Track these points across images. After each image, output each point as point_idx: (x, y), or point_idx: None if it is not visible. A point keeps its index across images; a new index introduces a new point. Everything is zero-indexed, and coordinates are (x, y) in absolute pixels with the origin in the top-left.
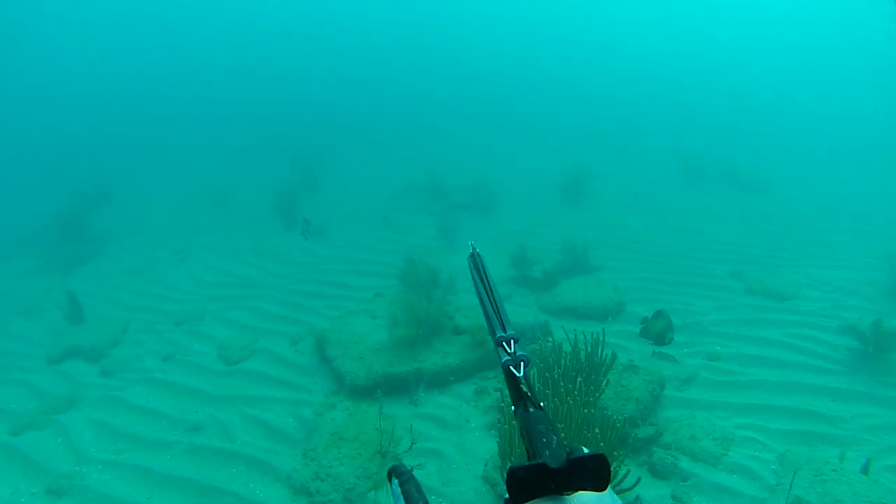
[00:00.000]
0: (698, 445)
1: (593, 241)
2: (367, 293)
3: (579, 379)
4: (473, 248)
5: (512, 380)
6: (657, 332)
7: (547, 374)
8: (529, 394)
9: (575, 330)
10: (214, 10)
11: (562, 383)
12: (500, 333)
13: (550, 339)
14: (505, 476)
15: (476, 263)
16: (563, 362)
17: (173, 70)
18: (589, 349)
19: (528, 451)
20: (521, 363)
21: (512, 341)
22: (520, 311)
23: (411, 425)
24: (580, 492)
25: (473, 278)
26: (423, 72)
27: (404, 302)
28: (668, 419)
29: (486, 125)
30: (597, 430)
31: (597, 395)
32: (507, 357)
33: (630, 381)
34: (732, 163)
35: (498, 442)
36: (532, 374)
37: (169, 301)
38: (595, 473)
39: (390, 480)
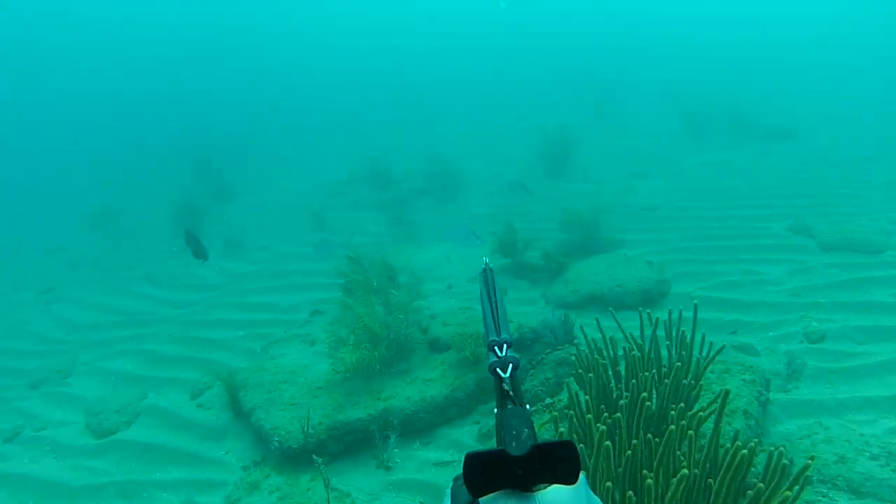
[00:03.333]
0: (854, 471)
1: (602, 212)
2: (302, 313)
3: (680, 405)
4: (487, 264)
5: (498, 382)
6: None
7: (601, 404)
8: (512, 393)
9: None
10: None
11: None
12: (492, 337)
13: (578, 340)
14: None
15: (487, 280)
16: (627, 378)
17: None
18: (655, 351)
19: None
20: (509, 365)
21: (504, 345)
22: (524, 309)
23: None
24: (550, 486)
25: (481, 292)
26: (345, 58)
27: (351, 315)
28: (787, 435)
29: (431, 106)
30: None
31: (693, 418)
32: (495, 359)
33: (724, 383)
34: (741, 112)
35: None
36: (562, 400)
37: (26, 356)
38: (563, 462)
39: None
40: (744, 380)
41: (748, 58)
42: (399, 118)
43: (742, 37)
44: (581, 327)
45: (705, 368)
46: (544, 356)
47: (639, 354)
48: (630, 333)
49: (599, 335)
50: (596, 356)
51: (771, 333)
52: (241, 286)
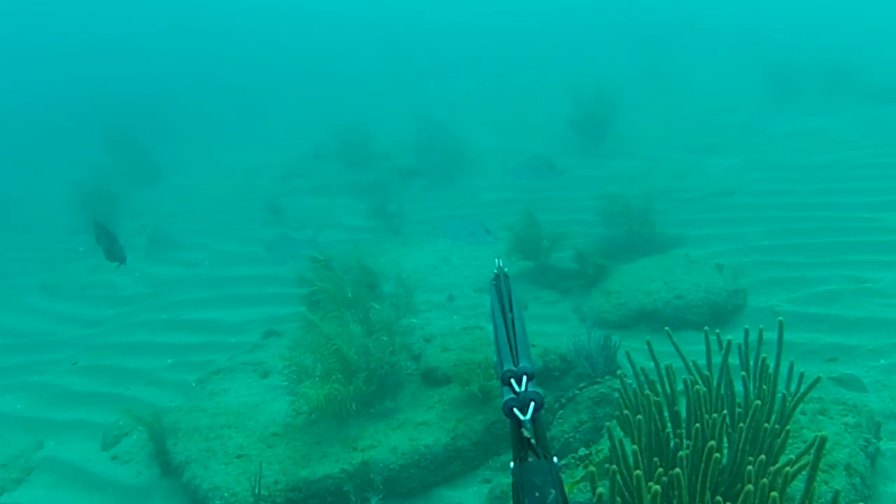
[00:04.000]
0: None
1: (656, 200)
2: (251, 334)
3: (760, 457)
4: (500, 269)
5: (515, 426)
6: None
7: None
8: (534, 441)
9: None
10: None
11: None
12: (508, 367)
13: (623, 371)
14: None
15: (500, 288)
16: (689, 421)
17: None
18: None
19: None
20: (531, 403)
21: (524, 377)
22: (550, 329)
23: None
24: None
25: (493, 307)
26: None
27: (318, 337)
28: None
29: (426, 59)
30: None
31: (778, 474)
32: (512, 396)
33: (820, 428)
34: (842, 66)
35: None
36: (602, 451)
37: None
38: None
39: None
40: (846, 424)
41: None
42: (384, 75)
43: None
44: (627, 353)
45: (794, 408)
46: (577, 392)
47: (705, 390)
48: (693, 361)
49: (651, 364)
50: (647, 392)
51: (882, 361)
52: (170, 297)
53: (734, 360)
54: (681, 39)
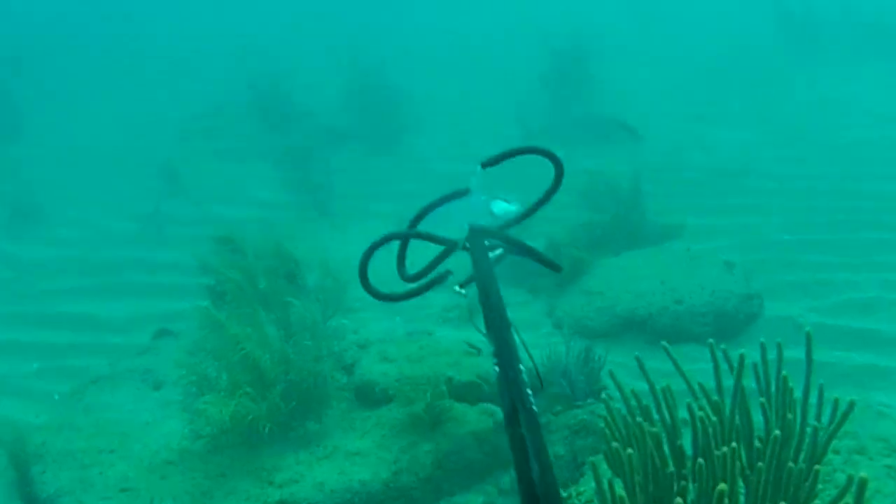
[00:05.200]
0: None
1: (648, 178)
2: (139, 333)
3: None
4: (475, 229)
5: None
6: None
7: None
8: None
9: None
10: None
11: None
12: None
13: (608, 392)
14: None
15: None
16: (695, 458)
17: None
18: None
19: None
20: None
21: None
22: (522, 337)
23: None
24: None
25: (475, 265)
26: None
27: (224, 339)
28: None
29: None
30: None
31: None
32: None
33: (856, 468)
34: (877, 12)
35: None
36: (584, 493)
37: None
38: None
39: None
40: (888, 466)
41: None
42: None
43: None
44: (610, 373)
45: (827, 444)
46: (553, 417)
47: (715, 419)
48: (699, 384)
49: (644, 384)
50: (640, 420)
51: None
52: (36, 285)
53: (750, 382)
54: None
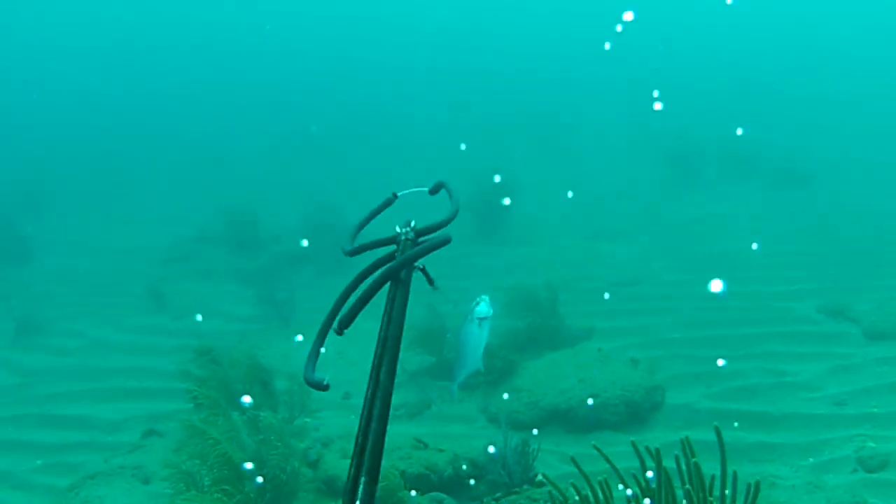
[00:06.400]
0: None
1: (561, 289)
2: (130, 432)
3: None
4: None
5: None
6: None
7: None
8: None
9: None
10: None
11: None
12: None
13: (541, 478)
14: None
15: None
16: None
17: None
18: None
19: None
20: None
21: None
22: (457, 430)
23: None
24: None
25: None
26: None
27: (203, 442)
28: None
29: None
30: None
31: None
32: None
33: None
34: (742, 150)
35: None
36: None
37: None
38: None
39: None
40: None
41: (749, 82)
42: (275, 144)
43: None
44: (544, 475)
45: None
46: (493, 503)
47: None
48: (633, 475)
49: (568, 468)
50: None
51: (811, 460)
52: (40, 390)
53: (671, 463)
54: (580, 121)
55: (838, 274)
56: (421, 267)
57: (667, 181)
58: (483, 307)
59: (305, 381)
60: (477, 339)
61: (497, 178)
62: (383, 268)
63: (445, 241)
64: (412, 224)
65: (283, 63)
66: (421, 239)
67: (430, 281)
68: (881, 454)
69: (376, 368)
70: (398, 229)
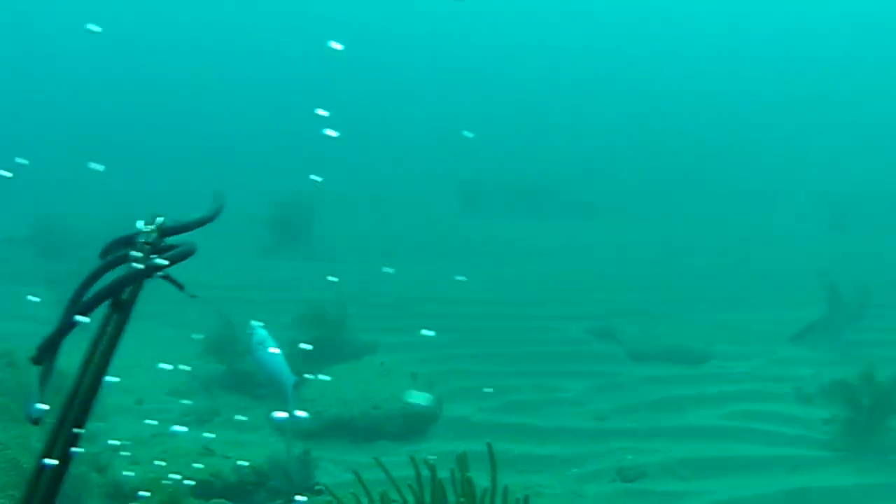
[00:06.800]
0: None
1: (351, 304)
2: None
3: None
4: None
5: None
6: None
7: None
8: None
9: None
10: None
11: None
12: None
13: (321, 487)
14: None
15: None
16: None
17: None
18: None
19: None
20: None
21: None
22: (245, 438)
23: None
24: None
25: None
26: None
27: None
28: None
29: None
30: None
31: None
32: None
33: None
34: (528, 181)
35: None
36: None
37: None
38: None
39: None
40: None
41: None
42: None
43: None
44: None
45: None
46: None
47: None
48: (410, 485)
49: (348, 476)
50: None
51: (575, 470)
52: None
53: (444, 473)
54: (385, 149)
55: (608, 300)
56: (163, 276)
57: (457, 211)
58: (259, 333)
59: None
60: (272, 359)
61: (318, 179)
62: (105, 283)
63: (188, 254)
64: (157, 222)
65: None
66: (167, 242)
67: (180, 286)
68: (638, 466)
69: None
70: (140, 226)
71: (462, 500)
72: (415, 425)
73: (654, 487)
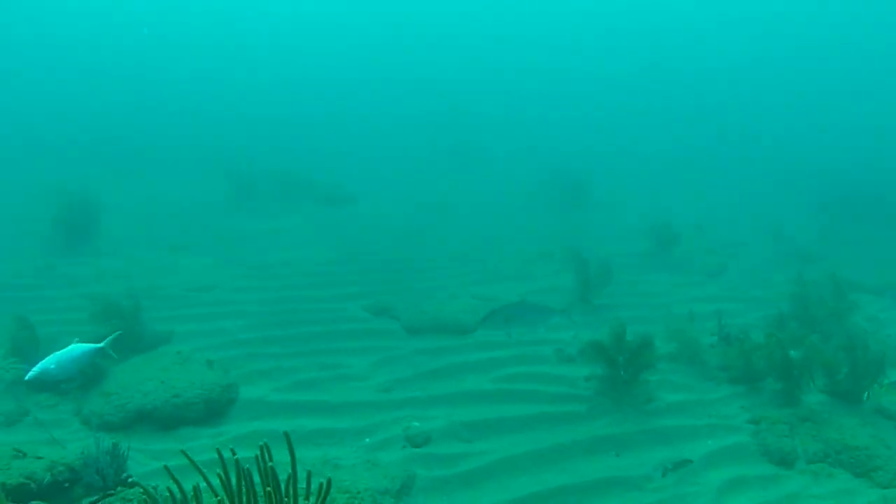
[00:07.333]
0: None
1: (143, 296)
2: None
3: None
4: None
5: None
6: None
7: None
8: None
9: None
10: None
11: None
12: None
13: (137, 484)
14: None
15: None
16: None
17: None
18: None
19: None
20: None
21: None
22: (56, 434)
23: None
24: None
25: None
26: None
27: None
28: None
29: None
30: None
31: None
32: None
33: None
34: (289, 172)
35: None
36: None
37: None
38: None
39: None
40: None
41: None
42: None
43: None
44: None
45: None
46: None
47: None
48: (220, 475)
49: (153, 465)
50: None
51: (367, 440)
52: None
53: (245, 452)
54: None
55: (381, 279)
56: None
57: (229, 201)
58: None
59: None
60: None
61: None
62: None
63: None
64: None
65: None
66: None
67: None
68: (424, 431)
69: None
70: None
71: (268, 489)
72: (215, 409)
73: (441, 450)
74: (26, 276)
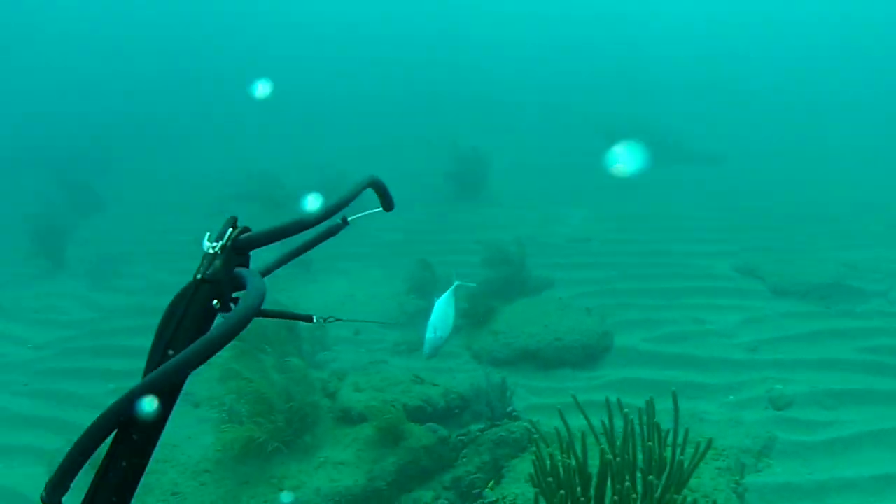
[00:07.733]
0: None
1: (527, 245)
2: None
3: None
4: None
5: None
6: None
7: None
8: None
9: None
10: None
11: None
12: None
13: (517, 412)
14: None
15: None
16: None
17: None
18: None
19: None
20: None
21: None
22: (447, 364)
23: None
24: None
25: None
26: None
27: (239, 381)
28: None
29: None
30: None
31: None
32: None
33: (698, 472)
34: (658, 131)
35: None
36: (507, 497)
37: None
38: None
39: None
40: (718, 468)
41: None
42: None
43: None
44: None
45: (690, 474)
46: (479, 434)
47: (617, 460)
48: (603, 422)
49: (534, 400)
50: (564, 458)
51: (731, 398)
52: (111, 324)
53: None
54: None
55: (747, 238)
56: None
57: (601, 156)
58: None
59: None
60: (438, 309)
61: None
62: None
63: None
64: (228, 234)
65: None
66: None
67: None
68: (786, 396)
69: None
70: (207, 245)
71: (650, 443)
72: (592, 355)
73: (803, 416)
74: (426, 223)
